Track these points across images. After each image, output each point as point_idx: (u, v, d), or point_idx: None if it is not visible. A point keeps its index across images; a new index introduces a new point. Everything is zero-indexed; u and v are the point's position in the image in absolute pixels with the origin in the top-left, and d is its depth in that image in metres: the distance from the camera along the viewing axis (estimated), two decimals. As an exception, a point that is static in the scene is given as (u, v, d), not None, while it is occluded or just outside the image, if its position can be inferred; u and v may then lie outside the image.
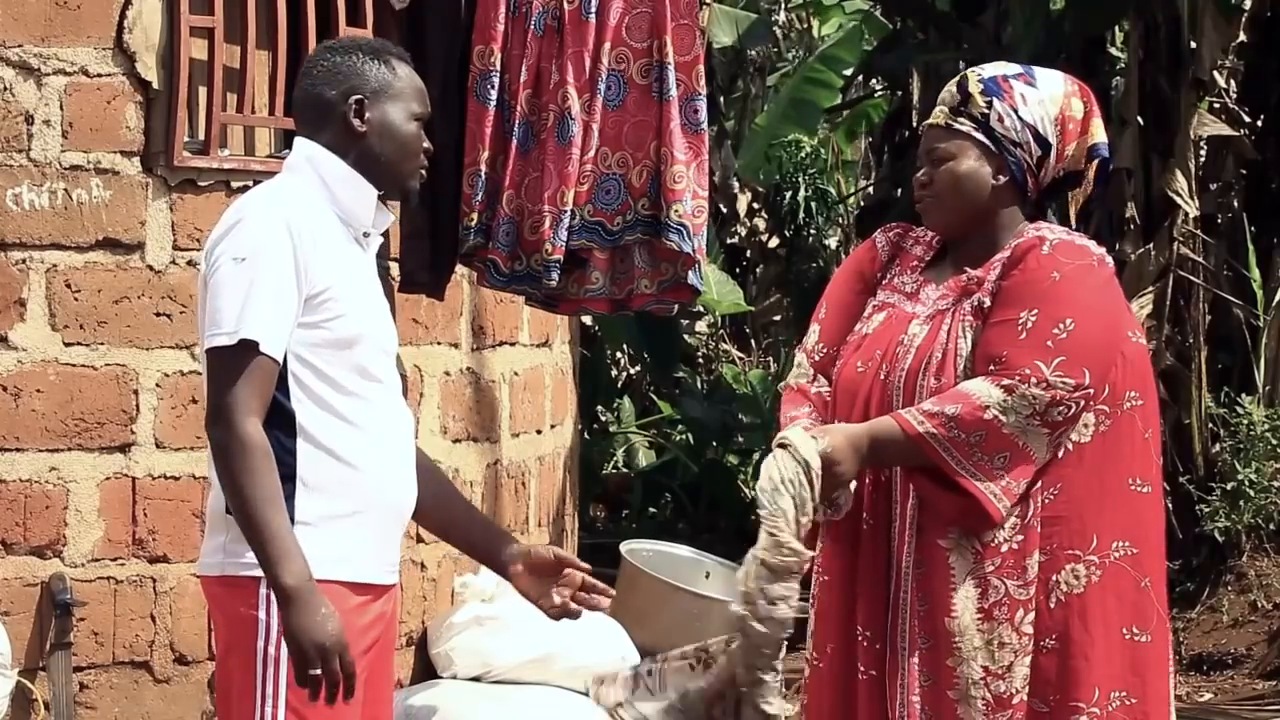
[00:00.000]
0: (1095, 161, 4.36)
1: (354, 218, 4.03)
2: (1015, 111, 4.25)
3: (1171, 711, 4.31)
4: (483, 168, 6.18)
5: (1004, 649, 4.15)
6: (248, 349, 3.81)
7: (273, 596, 3.82)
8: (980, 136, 4.26)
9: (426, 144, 4.10)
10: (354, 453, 3.95)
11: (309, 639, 3.77)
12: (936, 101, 4.37)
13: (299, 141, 4.08)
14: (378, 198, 4.07)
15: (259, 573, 3.83)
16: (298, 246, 3.87)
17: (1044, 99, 4.28)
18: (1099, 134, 4.38)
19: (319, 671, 3.77)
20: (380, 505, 3.98)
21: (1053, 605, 4.17)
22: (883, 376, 4.22)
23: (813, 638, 4.42)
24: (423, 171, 4.12)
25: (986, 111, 4.25)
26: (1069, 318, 4.12)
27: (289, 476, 3.88)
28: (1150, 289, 10.70)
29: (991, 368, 4.12)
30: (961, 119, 4.27)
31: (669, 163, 6.10)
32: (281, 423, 3.89)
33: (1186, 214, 10.81)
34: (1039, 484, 4.16)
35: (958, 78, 4.35)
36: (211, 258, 3.91)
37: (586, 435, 12.03)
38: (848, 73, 15.01)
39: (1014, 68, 4.35)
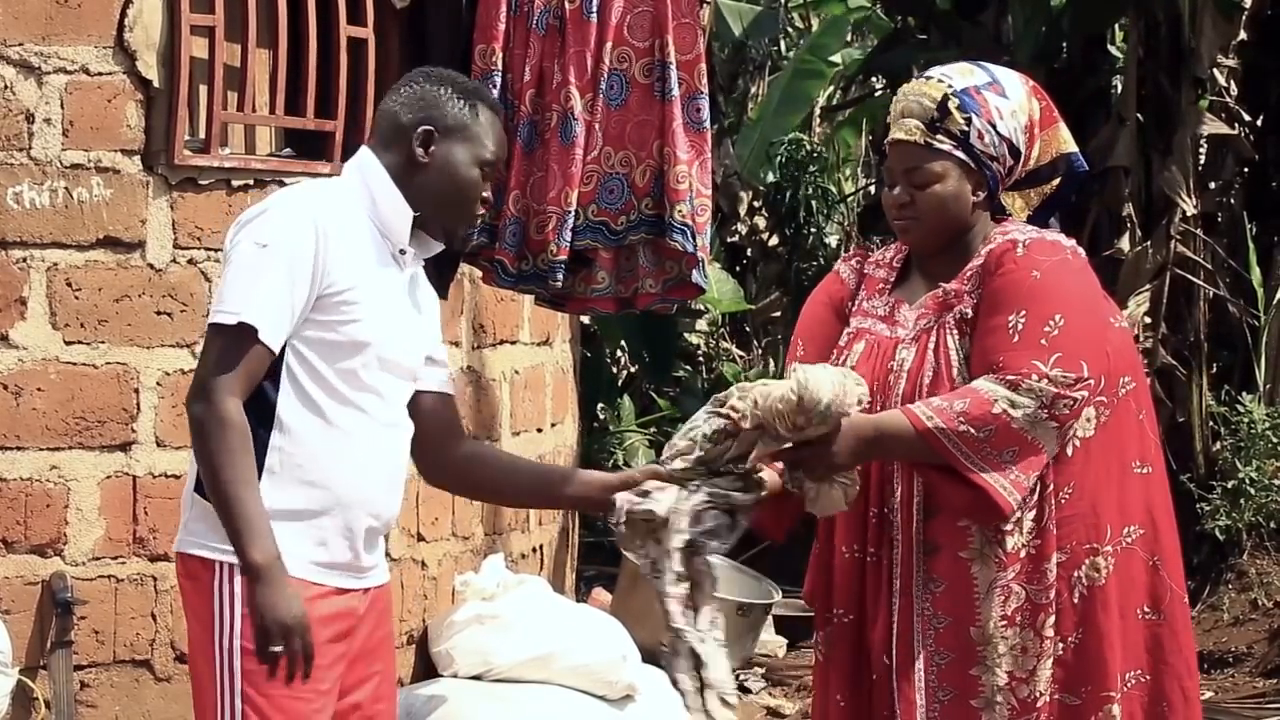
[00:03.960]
0: (1064, 168, 4.36)
1: (390, 231, 4.06)
2: (994, 127, 4.22)
3: (1194, 686, 4.30)
4: (485, 168, 6.17)
5: (1027, 654, 4.16)
6: (245, 333, 3.86)
7: (226, 583, 3.90)
8: (961, 155, 4.22)
9: (487, 193, 4.12)
10: (328, 456, 3.97)
11: (273, 615, 3.82)
12: (899, 110, 4.28)
13: (363, 150, 4.12)
14: (424, 230, 4.10)
15: (212, 555, 3.92)
16: (320, 243, 3.91)
17: (1015, 109, 4.25)
18: (1069, 142, 4.36)
19: (280, 649, 3.82)
20: (345, 511, 4.00)
21: (1076, 600, 4.18)
22: (878, 407, 4.21)
23: (823, 671, 4.42)
24: (476, 220, 4.16)
25: (966, 129, 4.21)
26: (1057, 314, 4.12)
27: (260, 460, 3.92)
28: (1147, 287, 10.70)
29: (990, 371, 4.12)
30: (940, 136, 4.22)
31: (672, 162, 6.09)
32: (260, 411, 3.93)
33: (1184, 212, 10.81)
34: (1052, 485, 4.16)
35: (924, 87, 4.26)
36: (235, 238, 3.95)
37: (587, 434, 12.02)
38: (835, 59, 15.00)
39: (980, 74, 4.28)
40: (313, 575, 3.96)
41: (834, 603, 4.34)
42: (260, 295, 3.86)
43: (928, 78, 4.29)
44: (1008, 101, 4.25)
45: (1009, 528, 4.14)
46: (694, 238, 6.12)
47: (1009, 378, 4.07)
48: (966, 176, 4.23)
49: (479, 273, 6.70)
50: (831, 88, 16.59)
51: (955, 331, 4.19)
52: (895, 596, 4.22)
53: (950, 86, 4.24)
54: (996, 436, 4.07)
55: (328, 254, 3.91)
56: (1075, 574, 4.18)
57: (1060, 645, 4.18)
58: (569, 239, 6.11)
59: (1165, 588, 4.28)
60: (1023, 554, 4.16)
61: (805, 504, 4.19)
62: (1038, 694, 4.16)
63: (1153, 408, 4.38)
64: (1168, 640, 4.28)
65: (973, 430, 4.06)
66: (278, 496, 3.92)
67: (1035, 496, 4.16)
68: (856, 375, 4.16)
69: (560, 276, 6.15)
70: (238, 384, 3.86)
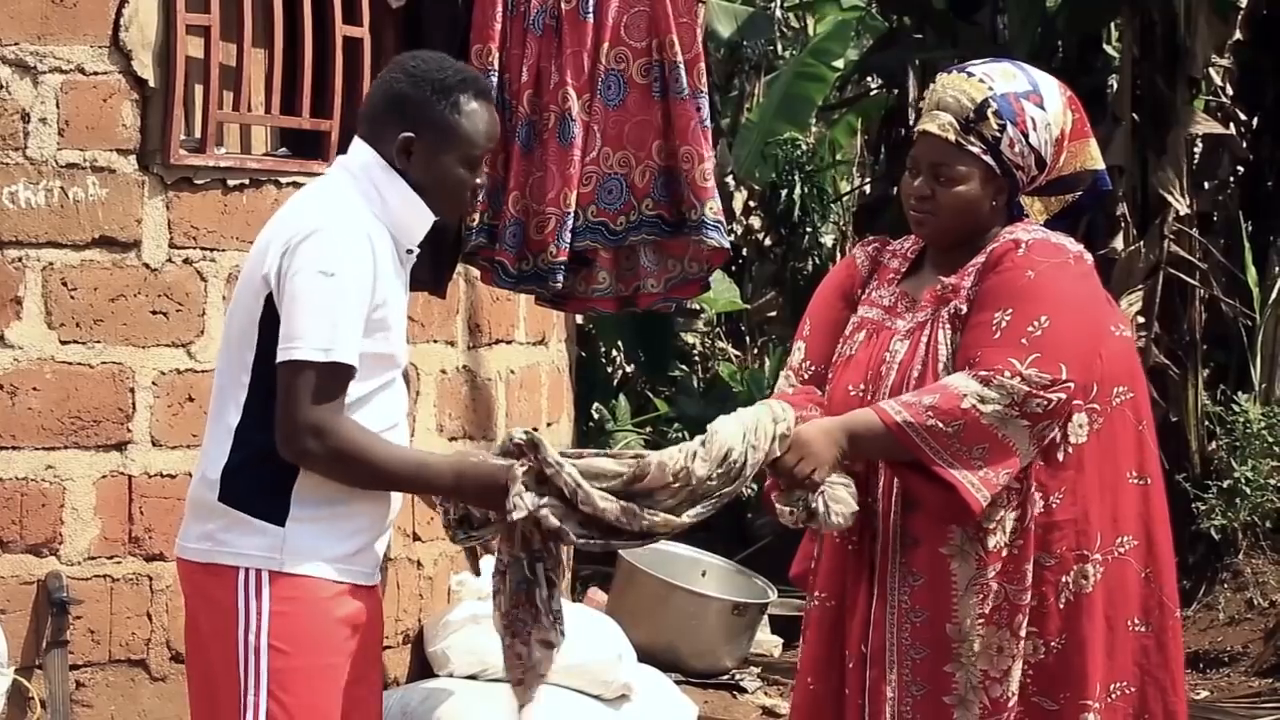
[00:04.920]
0: (1088, 182, 4.37)
1: (405, 235, 4.05)
2: (1025, 138, 4.21)
3: (1178, 702, 4.30)
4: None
5: (1002, 654, 4.16)
6: (337, 370, 3.86)
7: (252, 584, 3.91)
8: (989, 160, 4.22)
9: (479, 180, 4.10)
10: None
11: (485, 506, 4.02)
12: (934, 100, 4.29)
13: (359, 145, 4.07)
14: None
15: (241, 563, 3.92)
16: (374, 265, 3.92)
17: (1050, 121, 4.24)
18: (1097, 159, 4.37)
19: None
20: (372, 508, 4.03)
21: (1062, 605, 4.17)
22: (869, 396, 4.22)
23: (803, 658, 4.43)
24: (465, 210, 4.14)
25: (999, 135, 4.20)
26: (1044, 315, 4.11)
27: (291, 474, 3.93)
28: (1140, 286, 10.70)
29: (967, 367, 4.12)
30: (972, 138, 4.20)
31: (697, 161, 6.08)
32: None
33: (1177, 212, 10.82)
34: (1042, 490, 4.16)
35: (965, 84, 4.25)
36: (293, 263, 3.89)
37: (582, 433, 12.02)
38: (838, 64, 14.99)
39: (1021, 80, 4.27)
40: (339, 575, 3.98)
41: (816, 587, 4.35)
42: (341, 329, 3.85)
43: (969, 74, 4.26)
44: (1044, 113, 4.24)
45: (991, 525, 4.14)
46: (725, 233, 6.14)
47: (981, 373, 4.07)
48: (989, 181, 4.23)
49: (475, 272, 6.70)
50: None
51: (948, 326, 4.19)
52: (875, 586, 4.23)
53: (991, 90, 4.22)
54: (965, 432, 4.06)
55: (377, 273, 3.92)
56: (1063, 579, 4.18)
57: (1043, 649, 4.19)
58: (568, 240, 6.11)
59: (1155, 600, 4.28)
60: (1004, 553, 4.16)
61: (820, 526, 4.18)
62: (1010, 694, 4.17)
63: (1153, 419, 4.37)
64: (1154, 654, 4.28)
65: (941, 424, 4.06)
66: (315, 496, 3.94)
67: (1019, 496, 4.16)
68: (779, 406, 4.16)
69: (560, 277, 6.15)
70: (339, 410, 3.88)
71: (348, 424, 3.89)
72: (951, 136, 4.22)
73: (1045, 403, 4.08)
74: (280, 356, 3.87)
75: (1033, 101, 4.23)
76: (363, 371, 3.93)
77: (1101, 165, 4.39)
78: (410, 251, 4.08)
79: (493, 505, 4.00)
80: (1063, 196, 4.40)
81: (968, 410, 4.05)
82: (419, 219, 4.04)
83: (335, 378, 3.86)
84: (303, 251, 3.89)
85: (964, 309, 4.18)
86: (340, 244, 3.89)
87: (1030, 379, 4.06)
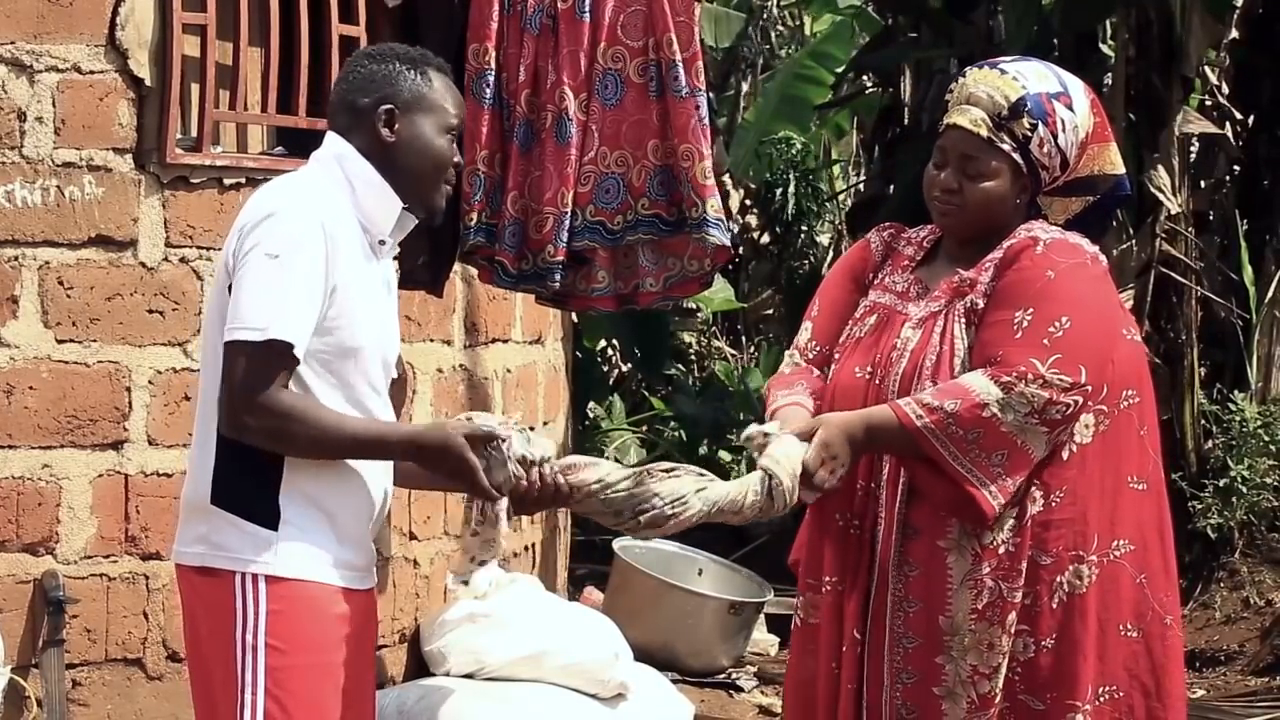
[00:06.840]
0: (1106, 187, 4.38)
1: (374, 225, 4.04)
2: (1055, 139, 4.24)
3: (1168, 707, 4.30)
4: (480, 166, 6.17)
5: (993, 650, 4.17)
6: (275, 348, 3.83)
7: (249, 587, 3.90)
8: (1018, 159, 4.24)
9: (457, 158, 4.11)
10: None
11: (452, 470, 3.90)
12: (963, 94, 4.30)
13: (331, 137, 4.07)
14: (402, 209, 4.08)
15: (237, 567, 3.91)
16: (329, 249, 3.89)
17: (1078, 124, 4.26)
18: (1118, 165, 4.38)
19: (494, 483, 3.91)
20: (356, 509, 4.02)
21: (1055, 605, 4.18)
22: (878, 381, 4.23)
23: (808, 636, 4.43)
24: (449, 187, 4.12)
25: (1029, 135, 4.22)
26: (1064, 316, 4.13)
27: (275, 475, 3.92)
28: (1131, 285, 10.71)
29: (987, 364, 4.13)
30: (1003, 135, 4.23)
31: (697, 159, 6.08)
32: None
33: (1169, 210, 10.82)
34: (1043, 488, 4.17)
35: (998, 81, 4.25)
36: (243, 247, 3.90)
37: (578, 432, 12.02)
38: (839, 70, 15.01)
39: (1052, 81, 4.29)
40: (333, 578, 3.98)
41: (825, 570, 4.35)
42: (282, 308, 3.83)
43: (1002, 71, 4.28)
44: (1072, 115, 4.26)
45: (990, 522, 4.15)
46: (726, 231, 6.15)
47: (1004, 379, 4.08)
48: (1016, 179, 4.25)
49: (473, 271, 6.70)
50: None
51: (963, 320, 4.21)
52: (873, 573, 4.24)
53: (1025, 89, 4.24)
54: (985, 439, 4.08)
55: (334, 259, 3.90)
56: (1058, 579, 4.19)
57: (1034, 648, 4.19)
58: (565, 239, 6.11)
59: (1147, 606, 4.29)
60: (1000, 550, 4.17)
61: (802, 495, 4.19)
62: (996, 691, 4.18)
63: (1157, 425, 4.37)
64: (1142, 659, 4.29)
65: (961, 431, 4.08)
66: (302, 497, 3.93)
67: (1017, 495, 4.17)
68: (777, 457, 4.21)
69: (559, 277, 6.15)
70: (278, 386, 3.84)
71: (284, 394, 3.84)
72: (983, 132, 4.23)
73: (1064, 408, 4.10)
74: (224, 339, 3.87)
75: (1063, 103, 4.25)
76: (327, 357, 3.91)
77: (1122, 170, 4.40)
78: (383, 243, 4.07)
79: (450, 471, 3.94)
80: (1083, 198, 4.41)
81: (988, 419, 4.07)
82: (389, 208, 4.03)
83: (272, 355, 3.83)
84: (253, 236, 3.89)
85: (980, 304, 4.19)
86: (289, 226, 3.88)
87: (1050, 381, 4.08)
